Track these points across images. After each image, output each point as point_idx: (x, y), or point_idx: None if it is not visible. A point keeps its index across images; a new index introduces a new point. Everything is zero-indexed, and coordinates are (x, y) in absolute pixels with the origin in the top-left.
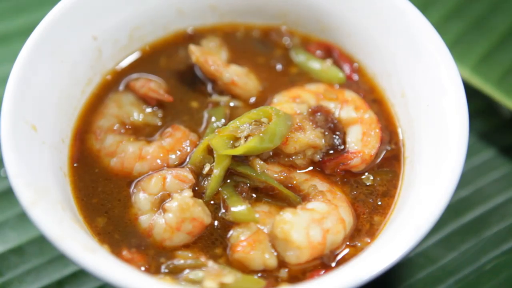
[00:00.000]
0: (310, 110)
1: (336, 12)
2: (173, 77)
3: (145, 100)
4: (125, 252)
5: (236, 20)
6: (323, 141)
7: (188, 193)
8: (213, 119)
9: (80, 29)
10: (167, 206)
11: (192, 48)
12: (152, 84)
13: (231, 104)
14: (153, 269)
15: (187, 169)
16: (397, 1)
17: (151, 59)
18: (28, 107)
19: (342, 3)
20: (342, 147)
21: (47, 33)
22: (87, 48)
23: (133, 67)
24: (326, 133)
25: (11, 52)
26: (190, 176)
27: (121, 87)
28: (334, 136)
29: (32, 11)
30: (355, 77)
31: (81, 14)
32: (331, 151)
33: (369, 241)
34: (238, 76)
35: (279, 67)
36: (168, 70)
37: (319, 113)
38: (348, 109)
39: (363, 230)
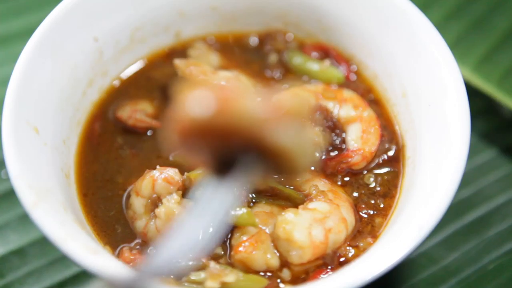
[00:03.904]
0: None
1: (336, 12)
2: (166, 94)
3: (135, 129)
4: (127, 254)
5: (237, 20)
6: (321, 139)
7: (175, 198)
8: None
9: (81, 31)
10: (157, 212)
11: (177, 62)
12: (138, 115)
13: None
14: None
15: (176, 170)
16: (397, 0)
17: (141, 80)
18: (29, 109)
19: (342, 3)
20: (343, 146)
21: (48, 35)
22: (88, 50)
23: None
24: (324, 132)
25: (11, 53)
26: (177, 178)
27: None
28: (334, 134)
29: (32, 12)
30: (353, 77)
31: (82, 16)
32: (332, 151)
33: (371, 241)
34: (228, 81)
35: (275, 74)
36: (159, 86)
37: (317, 112)
38: (347, 107)
39: (365, 230)
